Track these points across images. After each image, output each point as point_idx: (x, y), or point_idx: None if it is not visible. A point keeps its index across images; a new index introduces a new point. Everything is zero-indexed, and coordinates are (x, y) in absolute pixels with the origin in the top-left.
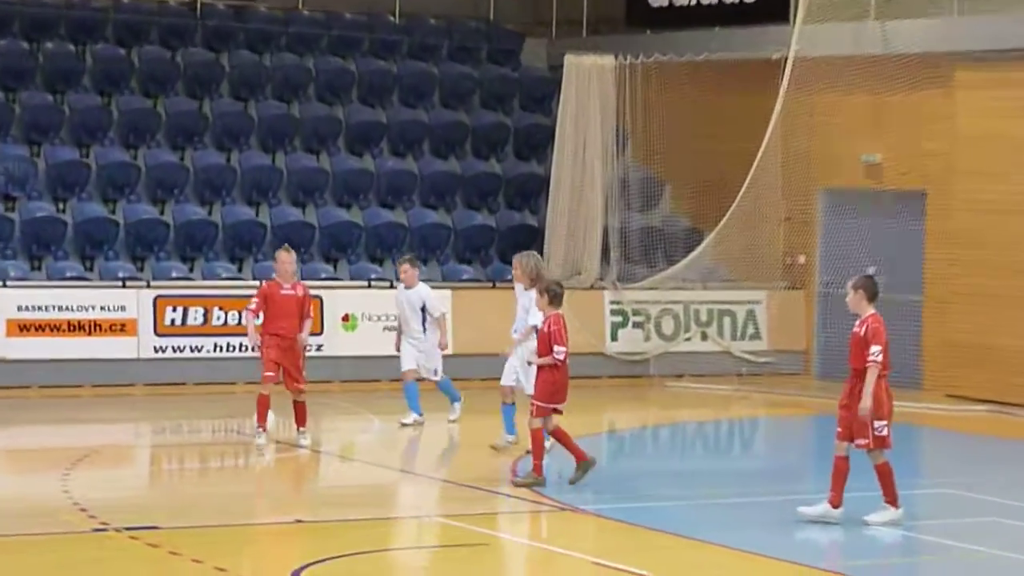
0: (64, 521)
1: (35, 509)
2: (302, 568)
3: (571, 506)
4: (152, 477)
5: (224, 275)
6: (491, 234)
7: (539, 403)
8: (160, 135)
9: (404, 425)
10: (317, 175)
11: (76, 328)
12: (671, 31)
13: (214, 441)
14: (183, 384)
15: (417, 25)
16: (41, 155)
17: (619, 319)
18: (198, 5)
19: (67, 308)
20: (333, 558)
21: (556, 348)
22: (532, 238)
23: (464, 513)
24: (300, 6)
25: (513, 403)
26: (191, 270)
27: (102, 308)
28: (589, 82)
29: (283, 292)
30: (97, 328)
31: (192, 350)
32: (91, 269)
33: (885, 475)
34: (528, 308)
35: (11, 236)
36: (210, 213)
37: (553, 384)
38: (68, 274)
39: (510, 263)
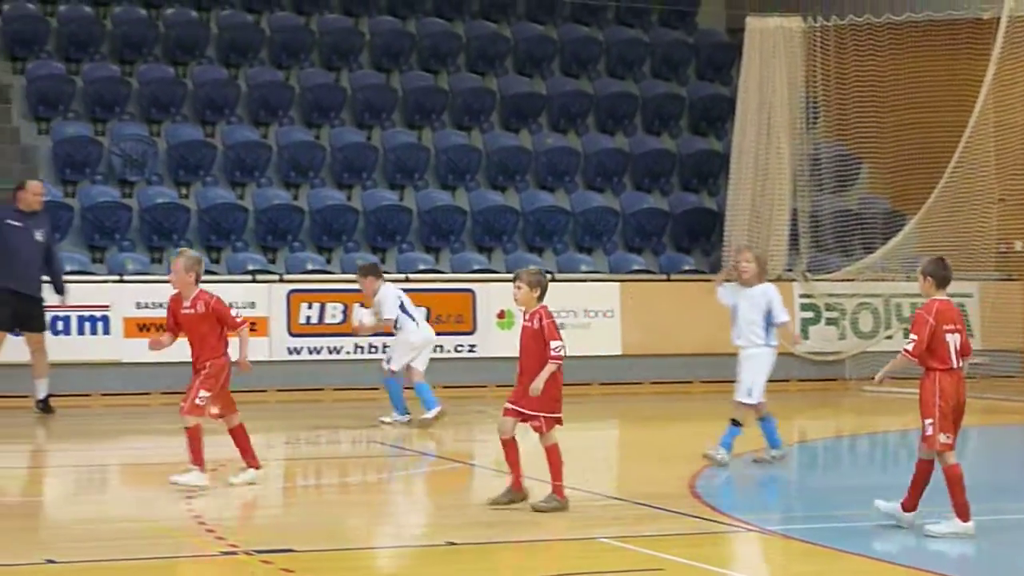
0: (190, 544)
1: (157, 530)
2: None
3: (756, 526)
4: (286, 494)
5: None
6: (664, 219)
7: (547, 415)
8: (292, 110)
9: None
10: (469, 154)
11: None
12: None
13: (355, 453)
14: (320, 389)
15: None
16: (161, 134)
17: (810, 314)
18: None
19: None
20: None
21: (554, 344)
22: (710, 223)
23: (635, 535)
24: None
25: (766, 416)
26: (328, 262)
27: (230, 305)
28: (774, 47)
29: (183, 310)
30: None
31: (330, 351)
32: (217, 261)
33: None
34: (759, 307)
35: (128, 225)
36: (349, 198)
37: (558, 387)
38: None
39: (685, 251)
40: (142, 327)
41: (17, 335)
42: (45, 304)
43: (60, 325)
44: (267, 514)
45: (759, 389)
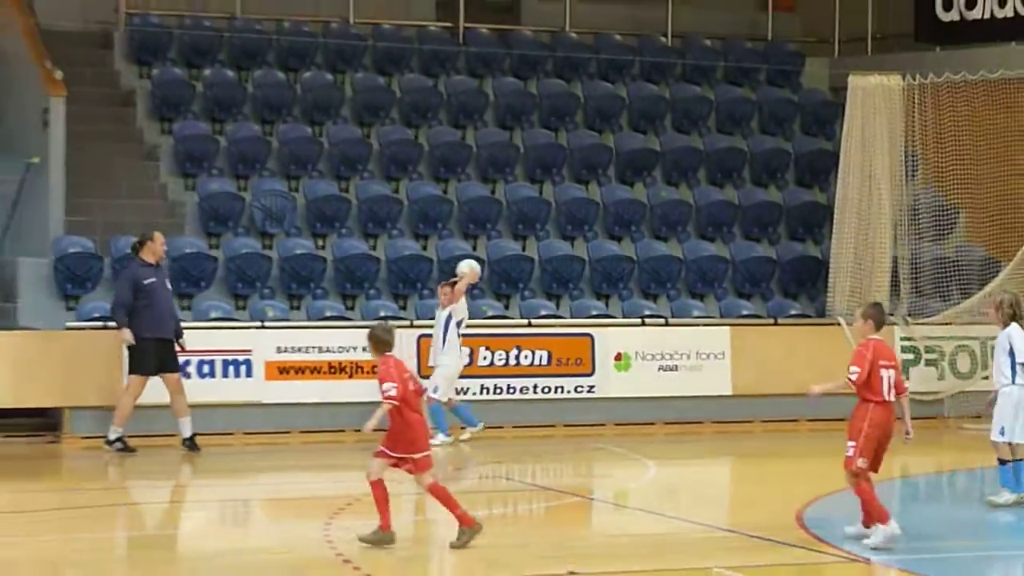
0: (327, 574)
1: (298, 561)
2: None
3: (860, 557)
4: (416, 527)
5: (491, 313)
6: (771, 266)
7: (415, 456)
8: (421, 166)
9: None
10: (587, 206)
11: (337, 370)
12: (963, 47)
13: (480, 488)
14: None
15: (690, 46)
16: (299, 189)
17: (911, 356)
18: (460, 30)
19: (328, 349)
20: None
21: (384, 386)
22: (816, 270)
23: (748, 564)
24: (567, 28)
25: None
26: None
27: (364, 349)
28: (875, 103)
29: None
30: (359, 370)
31: (457, 392)
32: (352, 308)
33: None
34: (1003, 347)
35: (268, 274)
36: (474, 247)
37: (414, 428)
38: (328, 313)
39: (792, 297)
40: (282, 370)
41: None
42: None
43: (206, 368)
44: (395, 547)
45: (999, 427)
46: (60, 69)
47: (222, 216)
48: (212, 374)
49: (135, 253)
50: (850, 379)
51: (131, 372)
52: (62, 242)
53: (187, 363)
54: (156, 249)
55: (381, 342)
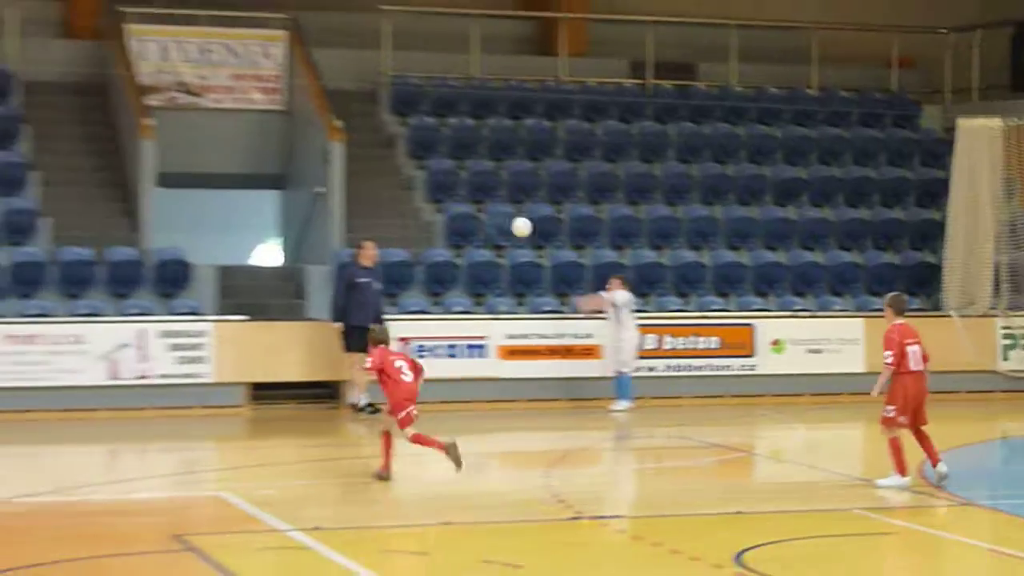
0: (545, 511)
1: (521, 501)
2: (744, 551)
3: (971, 501)
4: (617, 474)
5: (673, 307)
6: (896, 271)
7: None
8: (619, 192)
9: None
10: (750, 223)
11: (554, 352)
12: None
13: (666, 445)
14: (641, 398)
15: (831, 97)
16: (524, 212)
17: (1010, 342)
18: (647, 86)
19: (545, 336)
20: (770, 543)
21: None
22: (932, 274)
23: (880, 507)
24: (732, 82)
25: None
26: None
27: (573, 335)
28: (979, 141)
29: None
30: (568, 352)
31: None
32: (564, 304)
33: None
34: None
35: (499, 278)
36: (660, 256)
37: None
38: (545, 308)
39: (913, 295)
40: (511, 352)
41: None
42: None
43: (452, 351)
44: (603, 489)
45: None
46: (339, 119)
47: (464, 232)
48: (456, 355)
49: (354, 258)
50: (886, 363)
51: (345, 351)
52: (340, 254)
53: (435, 347)
54: (368, 255)
55: (379, 340)
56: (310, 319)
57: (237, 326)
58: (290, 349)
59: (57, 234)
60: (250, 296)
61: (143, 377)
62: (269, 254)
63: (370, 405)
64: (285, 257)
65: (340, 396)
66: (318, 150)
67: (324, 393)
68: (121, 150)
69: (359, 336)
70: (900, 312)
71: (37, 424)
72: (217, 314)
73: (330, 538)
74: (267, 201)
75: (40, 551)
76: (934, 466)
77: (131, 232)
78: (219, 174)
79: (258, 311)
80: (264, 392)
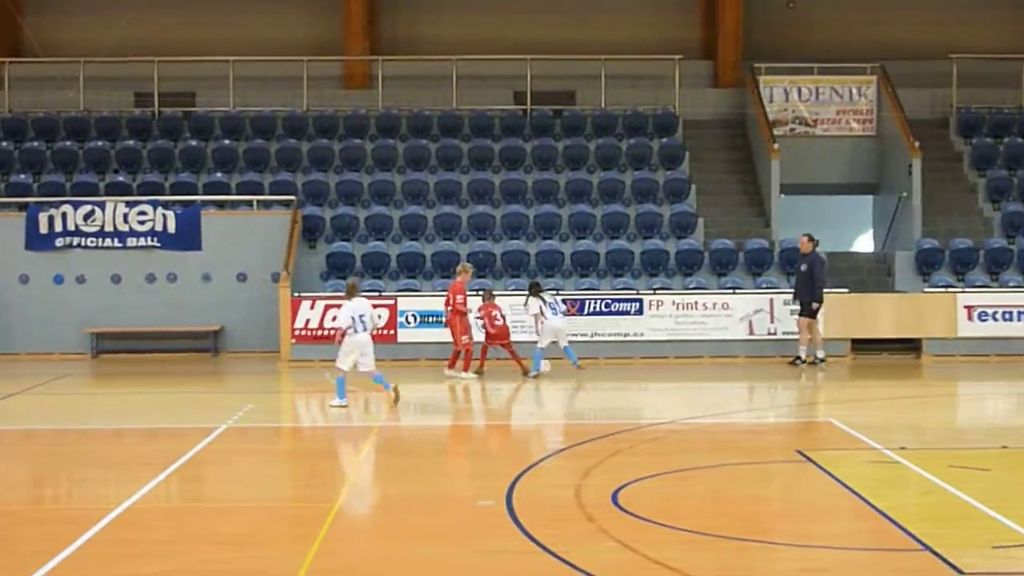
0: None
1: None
2: None
3: None
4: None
5: None
6: None
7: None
8: None
9: None
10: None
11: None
12: None
13: None
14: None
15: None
16: None
17: None
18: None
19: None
20: None
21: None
22: None
23: None
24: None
25: None
26: None
27: None
28: None
29: None
30: None
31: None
32: None
33: None
34: None
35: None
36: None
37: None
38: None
39: None
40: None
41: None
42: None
43: (1008, 317)
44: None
45: None
46: (917, 141)
47: (1017, 225)
48: (1010, 319)
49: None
50: None
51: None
52: (920, 242)
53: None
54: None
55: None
56: (897, 291)
57: (842, 297)
58: (881, 314)
59: (708, 230)
60: (851, 275)
61: (771, 334)
62: (865, 243)
63: (823, 361)
64: (877, 245)
65: (920, 350)
66: (903, 164)
67: (907, 346)
68: (755, 168)
69: (809, 305)
70: None
71: (691, 367)
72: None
73: (912, 456)
74: (863, 204)
75: (693, 459)
76: None
77: (763, 228)
78: (827, 184)
79: (857, 286)
80: (861, 346)
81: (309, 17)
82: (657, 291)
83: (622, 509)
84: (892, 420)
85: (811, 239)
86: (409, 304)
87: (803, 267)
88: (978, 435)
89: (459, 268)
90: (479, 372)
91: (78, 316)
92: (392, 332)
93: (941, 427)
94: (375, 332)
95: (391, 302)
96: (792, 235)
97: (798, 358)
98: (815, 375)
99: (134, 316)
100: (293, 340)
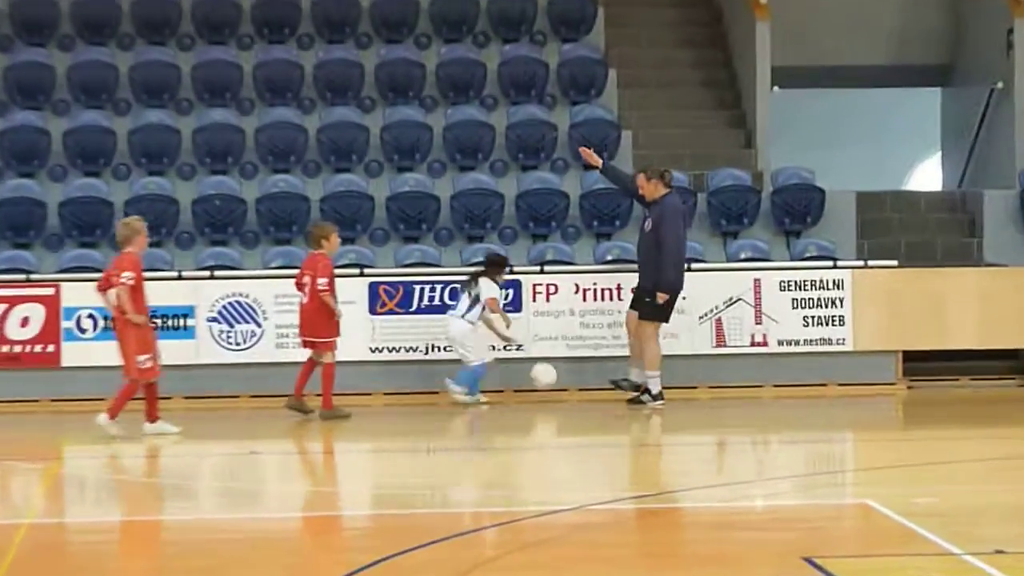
0: None
1: None
2: None
3: None
4: None
5: None
6: None
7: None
8: None
9: None
10: None
11: None
12: None
13: None
14: None
15: None
16: None
17: None
18: None
19: None
20: None
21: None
22: None
23: None
24: None
25: None
26: None
27: None
28: None
29: None
30: None
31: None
32: None
33: None
34: None
35: None
36: None
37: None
38: None
39: None
40: None
41: None
42: None
43: None
44: None
45: None
46: None
47: None
48: None
49: None
50: None
51: None
52: None
53: None
54: None
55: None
56: (987, 265)
57: (885, 275)
58: (959, 306)
59: (640, 152)
60: (903, 234)
61: (761, 343)
62: (927, 178)
63: (652, 394)
64: (949, 181)
65: None
66: (996, 31)
67: (1006, 363)
68: (727, 40)
69: None
70: None
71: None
72: (857, 259)
73: (1019, 567)
74: (924, 104)
75: None
76: None
77: (740, 149)
78: (856, 67)
79: (915, 253)
80: (920, 365)
81: None
82: (547, 270)
83: None
84: (979, 501)
85: (661, 176)
86: None
87: (647, 224)
88: None
89: None
90: None
91: None
92: None
93: None
94: None
95: None
96: (792, 162)
97: (626, 380)
98: (647, 420)
99: None
100: None
